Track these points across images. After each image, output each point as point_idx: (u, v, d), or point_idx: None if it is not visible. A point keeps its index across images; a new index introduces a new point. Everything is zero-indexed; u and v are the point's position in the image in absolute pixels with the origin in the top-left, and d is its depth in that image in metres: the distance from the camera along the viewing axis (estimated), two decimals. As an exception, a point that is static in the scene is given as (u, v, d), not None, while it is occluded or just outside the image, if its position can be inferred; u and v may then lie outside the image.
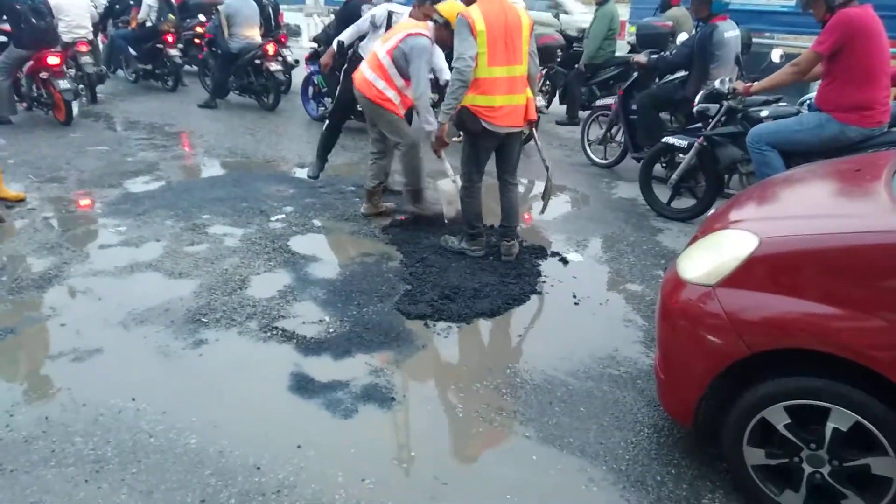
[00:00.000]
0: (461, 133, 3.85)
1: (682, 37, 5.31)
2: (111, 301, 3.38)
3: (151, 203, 4.84)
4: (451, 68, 3.59)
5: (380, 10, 4.88)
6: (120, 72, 10.30)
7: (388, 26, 4.74)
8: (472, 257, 3.91)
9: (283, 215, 4.69)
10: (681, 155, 4.66)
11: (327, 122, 5.30)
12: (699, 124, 4.62)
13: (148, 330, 3.11)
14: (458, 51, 3.42)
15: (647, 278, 3.81)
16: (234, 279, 3.64)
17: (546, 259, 4.04)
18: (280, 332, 3.10)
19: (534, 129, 4.03)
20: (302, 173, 5.86)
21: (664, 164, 4.93)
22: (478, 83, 3.49)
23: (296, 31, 16.31)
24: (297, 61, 9.00)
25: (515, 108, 3.63)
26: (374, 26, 4.86)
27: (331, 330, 3.13)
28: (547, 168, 4.11)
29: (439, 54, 4.56)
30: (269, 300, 3.42)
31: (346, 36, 4.97)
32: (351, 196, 5.17)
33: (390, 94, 4.18)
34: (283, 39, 8.68)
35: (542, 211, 4.31)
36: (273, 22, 8.82)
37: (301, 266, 3.85)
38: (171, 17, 9.13)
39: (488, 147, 3.76)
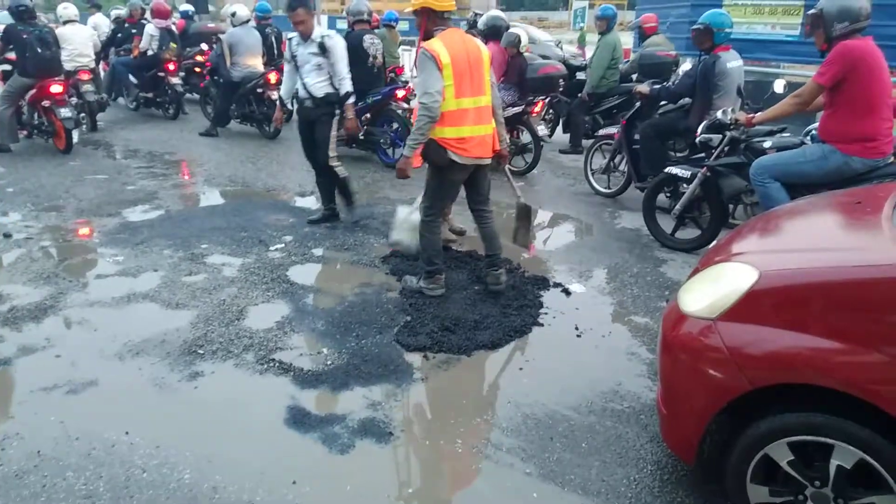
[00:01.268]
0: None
1: (685, 66, 5.42)
2: (107, 332, 3.42)
3: (150, 232, 4.90)
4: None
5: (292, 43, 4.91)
6: (121, 100, 10.51)
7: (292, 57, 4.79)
8: (430, 297, 3.82)
9: (283, 245, 4.74)
10: (684, 185, 4.71)
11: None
12: (702, 154, 4.69)
13: (143, 362, 3.13)
14: (424, 86, 3.44)
15: (651, 310, 3.83)
16: (232, 310, 3.67)
17: (548, 290, 4.07)
18: (277, 364, 3.12)
19: (503, 163, 4.01)
20: (302, 201, 5.94)
21: (668, 194, 4.98)
22: (445, 116, 3.51)
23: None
24: (299, 90, 9.16)
25: (483, 139, 3.68)
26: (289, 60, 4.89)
27: (328, 362, 3.15)
28: (519, 198, 4.14)
29: (340, 58, 4.71)
30: (267, 331, 3.44)
31: (285, 92, 5.06)
32: (351, 225, 5.23)
33: None
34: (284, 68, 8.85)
35: (517, 242, 4.30)
36: (276, 50, 9.02)
37: (299, 296, 3.89)
38: (173, 45, 9.35)
39: (456, 180, 3.75)
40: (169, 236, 4.83)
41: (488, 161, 3.78)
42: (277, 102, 5.16)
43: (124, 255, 4.47)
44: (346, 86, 4.80)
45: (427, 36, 3.63)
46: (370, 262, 4.47)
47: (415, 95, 8.38)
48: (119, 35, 10.13)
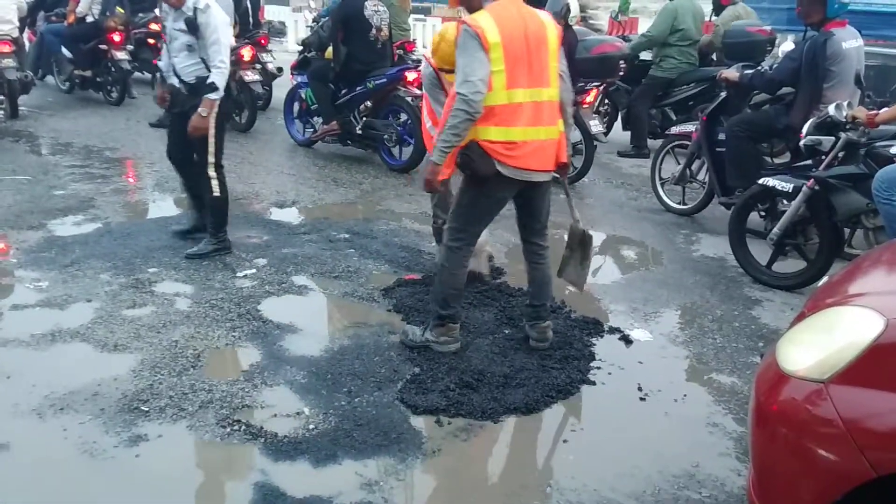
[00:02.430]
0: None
1: (787, 46, 5.45)
2: (23, 381, 3.44)
3: (83, 251, 4.97)
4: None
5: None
6: (50, 78, 10.75)
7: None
8: (443, 353, 3.77)
9: (254, 270, 4.79)
10: (785, 202, 4.70)
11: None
12: (809, 162, 4.68)
13: (70, 420, 3.15)
14: (464, 72, 3.35)
15: (740, 367, 3.80)
16: (186, 355, 3.70)
17: (602, 337, 4.06)
18: (244, 427, 3.13)
19: (563, 176, 3.97)
20: (280, 214, 6.02)
21: (763, 214, 4.96)
22: (492, 112, 3.42)
23: (280, 31, 16.98)
24: (280, 70, 9.35)
25: (543, 146, 3.56)
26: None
27: (311, 426, 3.16)
28: (577, 222, 4.09)
29: (214, 40, 4.65)
30: (231, 384, 3.46)
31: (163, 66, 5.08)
32: (344, 245, 5.27)
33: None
34: (263, 42, 9.04)
35: (566, 276, 4.27)
36: (251, 19, 9.21)
37: (274, 338, 3.91)
38: (120, 10, 9.57)
39: (500, 199, 3.66)
40: (107, 256, 4.89)
41: (547, 176, 3.68)
42: (159, 78, 5.17)
43: (49, 279, 4.53)
44: (217, 76, 4.71)
45: (473, 8, 3.64)
46: (368, 294, 4.49)
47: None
48: (51, -4, 10.40)
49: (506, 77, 3.40)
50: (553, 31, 3.59)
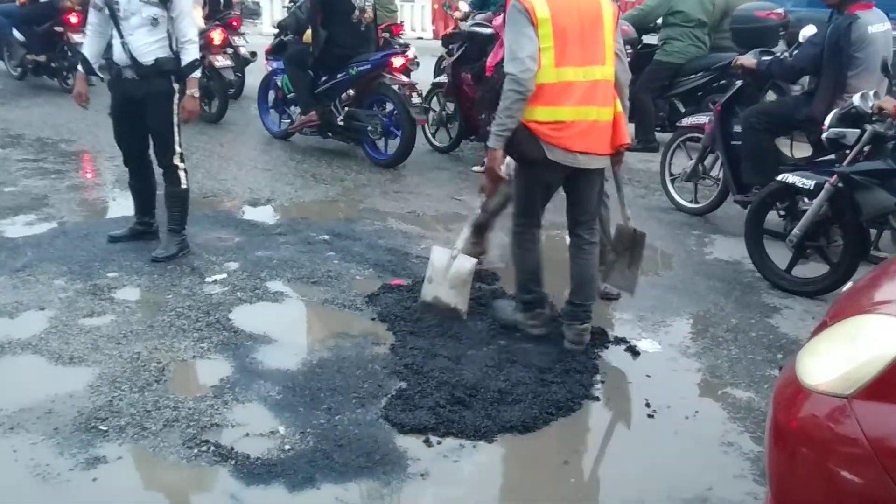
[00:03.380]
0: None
1: (808, 31, 5.47)
2: (-31, 396, 3.43)
3: (35, 254, 4.95)
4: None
5: None
6: (0, 63, 10.71)
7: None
8: (528, 335, 3.98)
9: (225, 275, 4.78)
10: (805, 200, 4.71)
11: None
12: (832, 156, 4.69)
13: (20, 440, 3.13)
14: (512, 49, 3.50)
15: (757, 381, 3.81)
16: (149, 368, 3.68)
17: (606, 348, 4.06)
18: (212, 447, 3.12)
19: (618, 165, 4.08)
20: (254, 213, 6.01)
21: (782, 213, 4.98)
22: (541, 91, 3.54)
23: (254, 11, 16.94)
24: (253, 55, 9.35)
25: (594, 127, 3.66)
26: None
27: (286, 447, 3.15)
28: (627, 220, 4.14)
29: (186, 11, 4.70)
30: (199, 400, 3.45)
31: (91, 54, 4.97)
32: (324, 248, 5.27)
33: None
34: (234, 24, 9.05)
35: (612, 282, 4.31)
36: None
37: (247, 350, 3.90)
38: (78, -12, 9.55)
39: (549, 182, 3.83)
40: (62, 260, 4.87)
41: (600, 162, 3.79)
42: (79, 69, 5.03)
43: (-2, 285, 4.52)
44: (192, 51, 4.77)
45: None
46: (349, 301, 4.49)
47: (417, 65, 8.61)
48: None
49: (554, 54, 3.53)
50: (609, 8, 3.72)
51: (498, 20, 6.22)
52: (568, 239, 4.09)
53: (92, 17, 4.90)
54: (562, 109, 3.58)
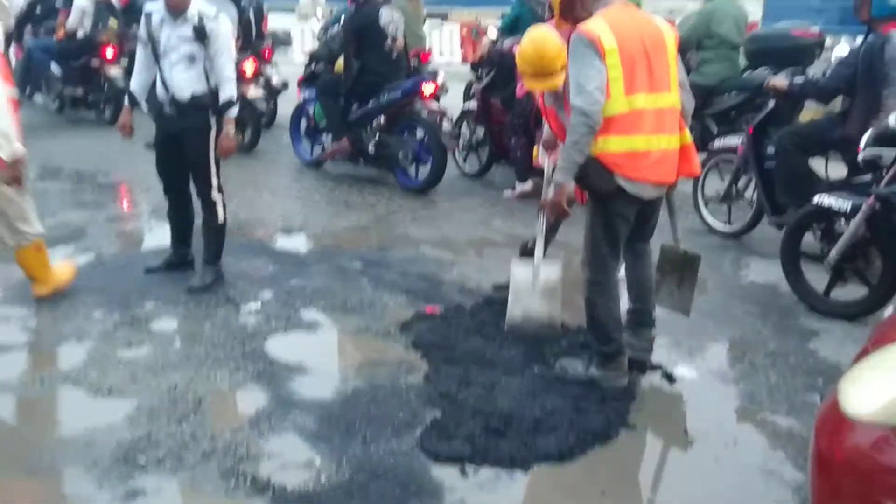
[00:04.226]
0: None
1: (841, 50, 5.44)
2: (9, 430, 3.48)
3: (74, 285, 5.01)
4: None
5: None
6: (38, 97, 10.92)
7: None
8: (610, 389, 3.77)
9: (259, 304, 4.82)
10: (843, 222, 4.65)
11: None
12: (868, 177, 4.64)
13: (60, 473, 3.16)
14: (579, 81, 3.44)
15: (797, 407, 3.76)
16: (187, 399, 3.71)
17: (643, 374, 4.03)
18: (250, 479, 3.13)
19: (671, 191, 3.99)
20: (287, 241, 6.06)
21: (819, 235, 4.92)
22: (612, 121, 3.49)
23: (285, 41, 17.19)
24: (285, 84, 9.46)
25: (666, 155, 3.63)
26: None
27: (323, 478, 3.15)
28: (677, 243, 4.12)
29: (224, 48, 4.75)
30: (236, 431, 3.47)
31: (136, 87, 5.06)
32: (356, 275, 5.29)
33: None
34: (266, 55, 9.16)
35: (664, 304, 4.25)
36: (255, 31, 9.32)
37: (282, 380, 3.92)
38: (113, 23, 9.74)
39: (625, 216, 3.70)
40: (101, 291, 4.94)
41: (664, 190, 3.79)
42: (126, 102, 5.11)
43: (38, 316, 4.59)
44: (229, 89, 4.82)
45: (581, 18, 3.66)
46: (384, 330, 4.50)
47: (446, 91, 8.66)
48: (38, 8, 10.60)
49: (624, 83, 3.49)
50: (671, 35, 3.71)
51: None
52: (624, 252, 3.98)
53: (138, 51, 5.01)
54: (636, 138, 3.53)
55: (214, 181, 4.97)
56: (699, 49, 7.66)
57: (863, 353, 2.40)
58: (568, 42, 4.10)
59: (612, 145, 3.51)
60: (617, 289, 3.86)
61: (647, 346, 3.98)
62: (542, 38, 4.07)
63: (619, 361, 3.82)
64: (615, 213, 3.68)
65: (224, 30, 4.80)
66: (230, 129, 4.88)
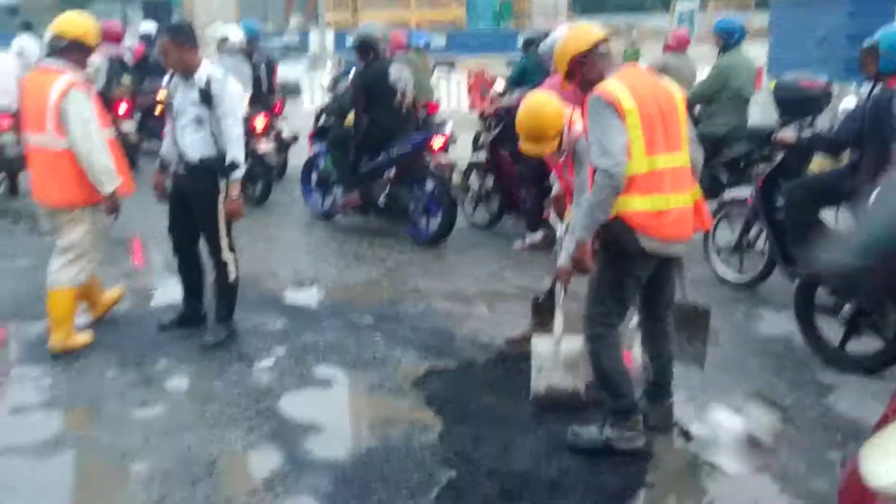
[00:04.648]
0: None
1: (848, 103, 5.47)
2: (21, 495, 3.47)
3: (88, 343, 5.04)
4: None
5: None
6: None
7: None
8: (629, 450, 3.71)
9: (272, 361, 4.83)
10: (855, 274, 4.64)
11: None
12: (880, 229, 4.63)
13: (75, 539, 3.16)
14: (601, 144, 3.45)
15: (816, 465, 3.71)
16: (200, 461, 3.71)
17: (659, 431, 3.98)
18: (264, 545, 3.11)
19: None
20: (299, 296, 6.07)
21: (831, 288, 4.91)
22: (633, 181, 3.51)
23: (295, 90, 17.37)
24: (296, 137, 9.55)
25: (683, 212, 3.66)
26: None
27: (339, 543, 3.13)
28: (683, 298, 4.13)
29: (230, 111, 4.79)
30: (250, 494, 3.45)
31: (165, 150, 5.17)
32: (369, 331, 5.29)
33: None
34: (277, 109, 9.26)
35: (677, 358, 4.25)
36: (266, 85, 9.43)
37: (296, 440, 3.91)
38: (127, 79, 9.88)
39: (640, 276, 3.71)
40: (114, 348, 4.96)
41: (685, 247, 3.81)
42: (157, 164, 5.25)
43: (52, 376, 4.59)
44: (234, 151, 4.81)
45: (594, 82, 3.65)
46: (396, 386, 4.50)
47: (455, 141, 8.73)
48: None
49: (644, 143, 3.52)
50: (679, 95, 3.76)
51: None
52: (637, 325, 4.05)
53: (167, 119, 5.11)
54: (657, 198, 3.55)
55: (223, 242, 4.99)
56: (710, 102, 7.71)
57: (883, 421, 2.37)
58: (573, 102, 4.19)
59: (635, 204, 3.52)
60: (620, 340, 3.84)
61: (668, 412, 3.95)
62: (538, 105, 4.23)
63: (634, 419, 3.75)
64: (630, 274, 3.68)
65: (231, 91, 4.84)
66: (234, 192, 4.88)
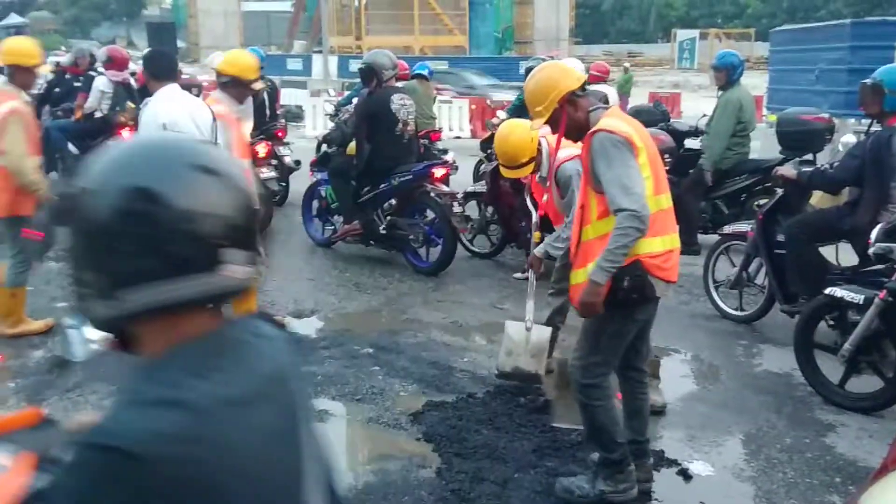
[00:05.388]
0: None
1: (848, 139, 5.50)
2: None
3: (86, 372, 5.01)
4: None
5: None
6: (54, 174, 11.07)
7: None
8: (616, 501, 3.61)
9: (270, 392, 4.80)
10: (854, 312, 4.64)
11: None
12: (881, 266, 4.64)
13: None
14: (623, 185, 3.28)
15: (816, 507, 3.70)
16: (197, 495, 3.68)
17: (658, 470, 3.97)
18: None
19: None
20: (298, 325, 6.06)
21: (831, 324, 4.90)
22: (651, 222, 3.36)
23: (297, 115, 17.49)
24: (297, 163, 9.59)
25: (678, 254, 3.61)
26: None
27: (334, 582, 3.10)
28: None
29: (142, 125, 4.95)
30: (246, 531, 3.42)
31: None
32: (367, 362, 5.28)
33: None
34: (280, 135, 9.30)
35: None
36: (269, 110, 9.49)
37: (293, 475, 3.88)
38: (131, 105, 9.91)
39: (641, 322, 3.63)
40: (111, 379, 4.91)
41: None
42: None
43: (49, 406, 4.56)
44: None
45: (578, 129, 3.57)
46: (394, 420, 4.48)
47: (456, 169, 8.74)
48: (57, 89, 10.82)
49: (653, 183, 3.43)
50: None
51: None
52: (620, 377, 3.86)
53: None
54: (668, 239, 3.48)
55: None
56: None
57: (882, 471, 2.36)
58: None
59: (656, 246, 3.42)
60: (611, 392, 3.69)
61: (649, 477, 3.79)
62: (509, 132, 4.37)
63: (627, 471, 3.61)
64: (635, 321, 3.58)
65: (143, 121, 5.03)
66: None
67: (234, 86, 5.16)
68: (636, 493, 3.65)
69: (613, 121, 3.46)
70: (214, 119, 4.88)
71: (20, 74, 5.45)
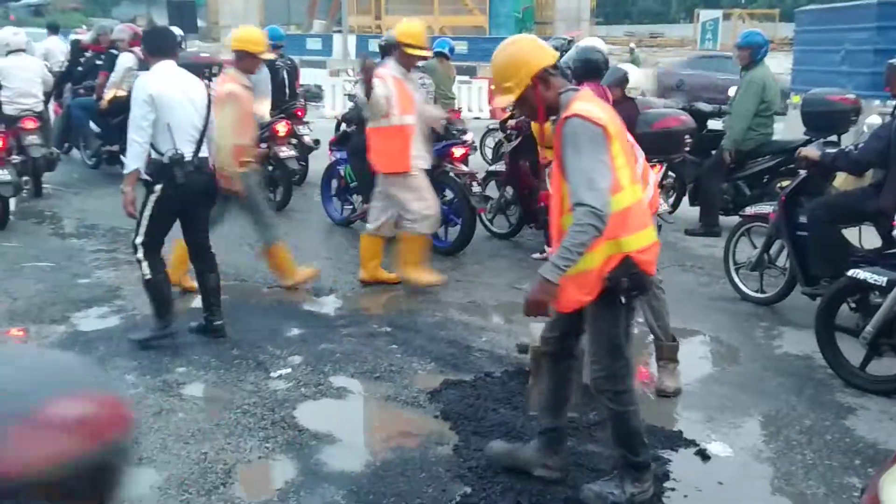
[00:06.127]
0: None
1: (873, 120, 5.43)
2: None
3: (107, 348, 5.09)
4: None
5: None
6: (75, 152, 11.15)
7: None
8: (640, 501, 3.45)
9: (289, 369, 4.84)
10: (877, 295, 4.60)
11: None
12: (904, 250, 4.61)
13: (90, 546, 3.17)
14: (589, 178, 3.04)
15: (835, 489, 3.68)
16: (216, 470, 3.72)
17: (675, 451, 3.98)
18: (278, 557, 3.12)
19: None
20: (317, 304, 6.09)
21: (853, 307, 4.87)
22: (628, 214, 3.21)
23: (317, 94, 17.47)
24: (317, 142, 9.59)
25: (657, 248, 3.47)
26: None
27: (352, 557, 3.13)
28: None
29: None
30: (265, 505, 3.46)
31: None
32: (385, 340, 5.30)
33: None
34: (300, 114, 9.30)
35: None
36: (288, 90, 9.48)
37: (311, 451, 3.91)
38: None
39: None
40: (133, 354, 4.98)
41: None
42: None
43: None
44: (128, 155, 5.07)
45: (550, 111, 3.33)
46: (412, 398, 4.50)
47: (475, 149, 8.71)
48: (79, 68, 10.87)
49: (630, 171, 3.26)
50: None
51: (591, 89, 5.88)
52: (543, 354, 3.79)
53: None
54: (651, 231, 3.36)
55: (138, 238, 5.19)
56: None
57: (904, 451, 2.35)
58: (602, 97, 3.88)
59: (643, 240, 3.27)
60: (635, 394, 3.51)
61: (568, 461, 3.70)
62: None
63: (647, 475, 3.49)
64: (631, 310, 3.47)
65: (134, 96, 5.00)
66: (123, 185, 5.13)
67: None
68: (652, 491, 3.54)
69: (587, 105, 3.21)
70: (210, 100, 5.19)
71: (246, 60, 5.88)
